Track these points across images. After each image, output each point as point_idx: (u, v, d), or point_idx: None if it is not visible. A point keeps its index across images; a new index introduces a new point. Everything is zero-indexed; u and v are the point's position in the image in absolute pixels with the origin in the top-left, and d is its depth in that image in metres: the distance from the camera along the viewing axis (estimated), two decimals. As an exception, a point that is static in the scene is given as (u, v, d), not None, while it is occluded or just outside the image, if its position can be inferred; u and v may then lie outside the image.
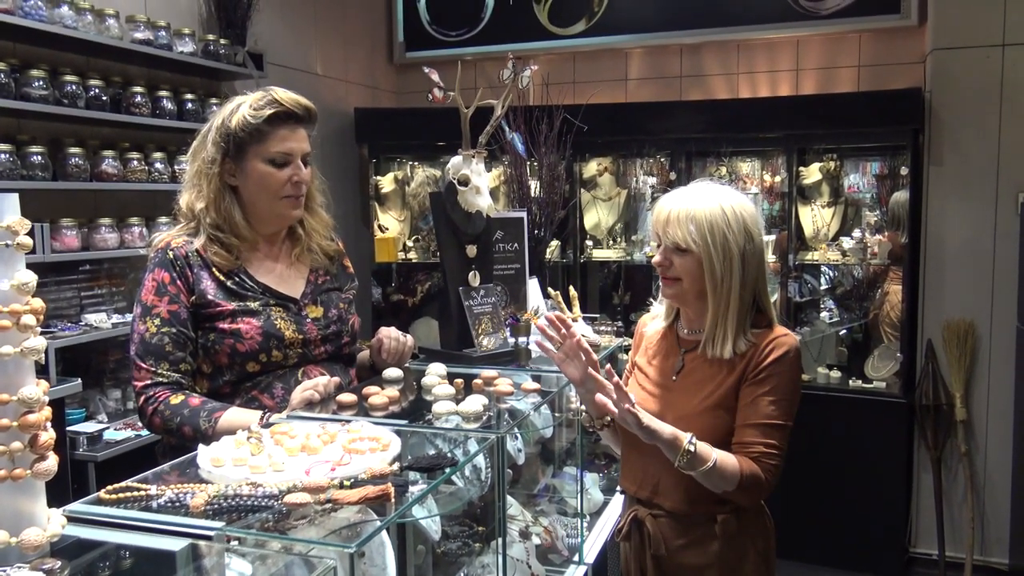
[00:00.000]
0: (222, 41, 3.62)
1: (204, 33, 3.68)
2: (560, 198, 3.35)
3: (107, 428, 2.91)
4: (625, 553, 1.96)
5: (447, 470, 1.43)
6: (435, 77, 2.26)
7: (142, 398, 1.88)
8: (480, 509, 2.12)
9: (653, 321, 2.01)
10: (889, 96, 4.15)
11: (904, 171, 4.21)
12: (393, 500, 1.28)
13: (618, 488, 2.16)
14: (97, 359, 3.08)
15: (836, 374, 4.39)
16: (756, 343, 1.77)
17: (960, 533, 4.16)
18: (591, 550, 2.35)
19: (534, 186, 3.20)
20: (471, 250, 2.40)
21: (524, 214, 2.75)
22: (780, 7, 4.53)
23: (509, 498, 2.44)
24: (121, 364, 3.10)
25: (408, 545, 1.83)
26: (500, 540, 1.76)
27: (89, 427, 2.88)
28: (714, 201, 1.76)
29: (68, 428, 2.79)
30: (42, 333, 2.79)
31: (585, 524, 2.54)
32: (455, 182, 2.34)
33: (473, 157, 2.33)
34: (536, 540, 2.30)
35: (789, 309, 4.52)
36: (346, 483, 1.31)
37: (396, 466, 1.40)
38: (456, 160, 2.34)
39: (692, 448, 1.65)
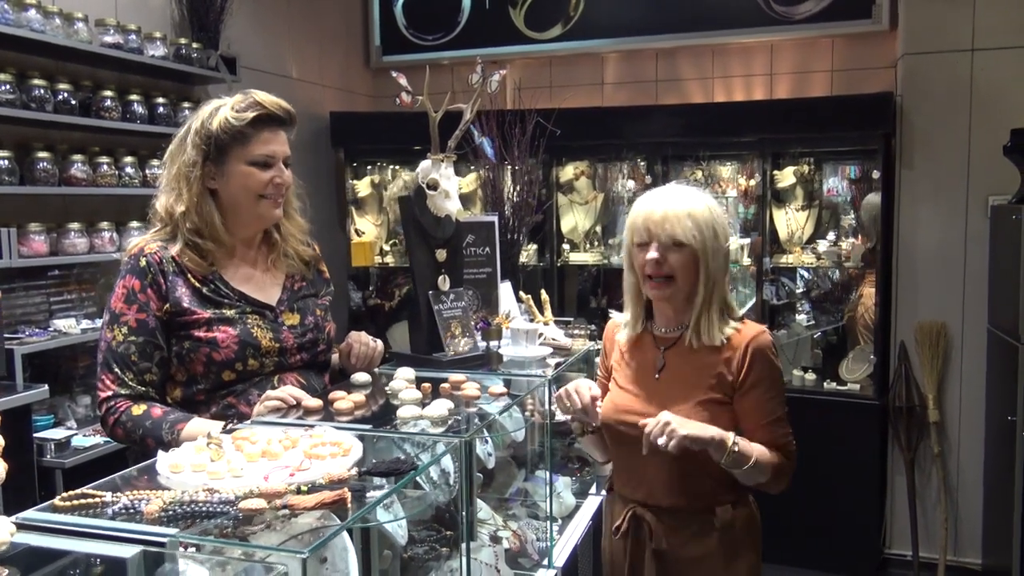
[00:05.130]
0: (194, 45, 3.61)
1: (176, 37, 3.66)
2: (534, 202, 3.36)
3: (75, 435, 2.88)
4: (617, 550, 1.98)
5: (407, 475, 1.43)
6: (403, 81, 2.26)
7: (104, 408, 1.86)
8: (449, 513, 2.12)
9: (624, 329, 2.04)
10: (860, 100, 4.19)
11: (876, 175, 4.24)
12: (350, 505, 1.27)
13: (603, 489, 2.18)
14: (66, 365, 3.05)
15: (811, 376, 4.42)
16: (737, 339, 1.86)
17: (934, 534, 4.19)
18: (561, 553, 2.35)
19: (507, 190, 3.21)
20: (441, 254, 2.40)
21: (495, 218, 2.76)
22: (754, 12, 4.56)
23: (480, 502, 2.44)
24: (91, 370, 3.07)
25: (372, 550, 1.82)
26: (465, 544, 1.76)
27: (57, 434, 2.84)
28: (701, 201, 1.88)
29: (36, 435, 2.76)
30: (9, 339, 2.77)
31: (556, 527, 2.55)
32: (424, 186, 2.34)
33: (442, 161, 2.33)
34: (505, 544, 2.30)
35: (764, 312, 4.54)
36: (303, 488, 1.31)
37: (355, 471, 1.40)
38: (425, 164, 2.34)
39: (736, 447, 1.74)
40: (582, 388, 1.97)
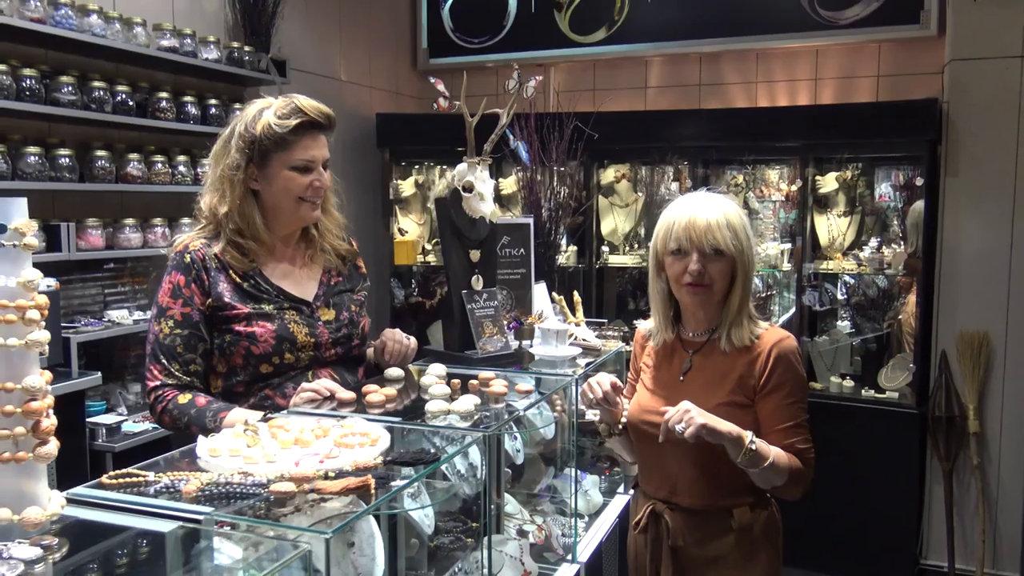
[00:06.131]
0: (246, 48, 3.73)
1: (229, 40, 3.80)
2: (570, 204, 3.41)
3: (126, 420, 3.02)
4: (639, 545, 2.05)
5: (428, 465, 1.50)
6: (440, 87, 2.33)
7: (152, 396, 1.97)
8: (476, 505, 2.19)
9: (655, 335, 2.07)
10: (905, 107, 4.15)
11: (920, 181, 4.20)
12: (373, 491, 1.35)
13: (631, 487, 2.24)
14: (119, 354, 3.20)
15: (849, 383, 4.40)
16: (761, 343, 1.90)
17: (971, 545, 4.14)
18: (585, 549, 2.40)
19: (545, 193, 3.26)
20: (475, 255, 2.46)
21: (531, 220, 2.82)
22: (799, 17, 4.55)
23: (509, 496, 2.50)
24: (141, 359, 3.16)
25: (399, 537, 1.90)
26: (487, 536, 1.83)
27: (108, 419, 2.98)
28: (733, 208, 1.93)
29: (88, 420, 2.90)
30: (66, 328, 2.91)
31: (583, 524, 2.60)
32: (460, 188, 2.41)
33: (478, 164, 2.40)
34: (531, 538, 2.36)
35: (804, 317, 4.52)
36: (331, 474, 1.39)
37: (380, 460, 1.47)
38: (461, 167, 2.41)
39: (753, 446, 1.76)
40: (603, 380, 2.02)
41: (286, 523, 1.34)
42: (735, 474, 1.84)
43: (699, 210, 1.88)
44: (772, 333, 1.93)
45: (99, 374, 2.86)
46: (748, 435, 1.77)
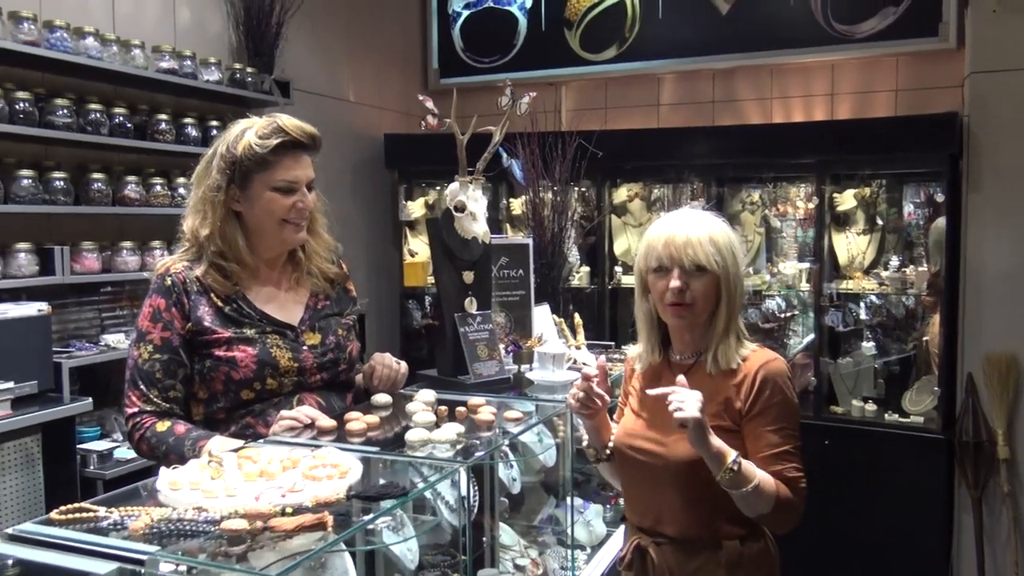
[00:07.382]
0: (248, 69, 3.71)
1: (232, 62, 3.78)
2: (581, 224, 3.33)
3: (118, 447, 2.96)
4: None
5: (397, 500, 1.41)
6: (429, 104, 2.28)
7: (130, 424, 1.91)
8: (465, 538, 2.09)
9: (640, 358, 1.98)
10: (925, 121, 4.03)
11: (941, 198, 4.07)
12: (330, 528, 1.26)
13: (622, 518, 2.13)
14: (115, 379, 3.14)
15: (872, 407, 4.24)
16: (748, 365, 1.80)
17: (1003, 577, 3.96)
18: (584, 584, 2.30)
19: (548, 212, 3.19)
20: (468, 276, 2.39)
21: (529, 240, 2.74)
22: (814, 31, 4.45)
23: (504, 527, 2.41)
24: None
25: (378, 573, 1.81)
26: (470, 572, 1.74)
27: (100, 445, 2.93)
28: (719, 226, 1.85)
29: (79, 446, 2.85)
30: (59, 352, 2.86)
31: (584, 556, 2.50)
32: (452, 208, 2.34)
33: (470, 183, 2.33)
34: (527, 572, 2.26)
35: (824, 339, 4.38)
36: (288, 510, 1.30)
37: (343, 495, 1.39)
38: (453, 186, 2.35)
39: (736, 467, 1.66)
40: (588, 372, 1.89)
41: (254, 561, 1.25)
42: (723, 503, 1.73)
43: (679, 227, 1.81)
44: (759, 355, 1.82)
45: (90, 400, 2.80)
46: (732, 454, 1.67)
